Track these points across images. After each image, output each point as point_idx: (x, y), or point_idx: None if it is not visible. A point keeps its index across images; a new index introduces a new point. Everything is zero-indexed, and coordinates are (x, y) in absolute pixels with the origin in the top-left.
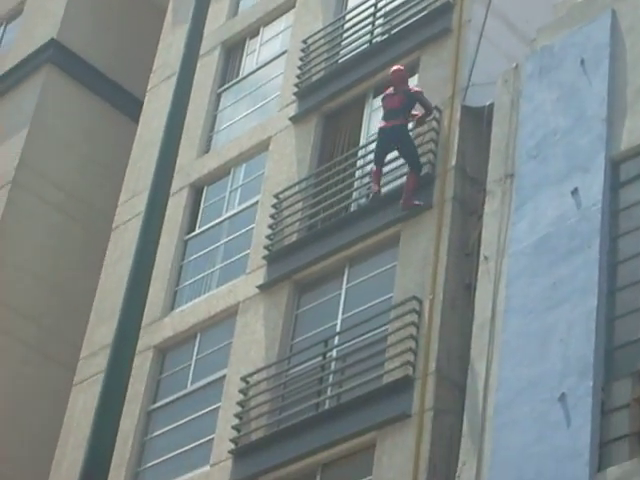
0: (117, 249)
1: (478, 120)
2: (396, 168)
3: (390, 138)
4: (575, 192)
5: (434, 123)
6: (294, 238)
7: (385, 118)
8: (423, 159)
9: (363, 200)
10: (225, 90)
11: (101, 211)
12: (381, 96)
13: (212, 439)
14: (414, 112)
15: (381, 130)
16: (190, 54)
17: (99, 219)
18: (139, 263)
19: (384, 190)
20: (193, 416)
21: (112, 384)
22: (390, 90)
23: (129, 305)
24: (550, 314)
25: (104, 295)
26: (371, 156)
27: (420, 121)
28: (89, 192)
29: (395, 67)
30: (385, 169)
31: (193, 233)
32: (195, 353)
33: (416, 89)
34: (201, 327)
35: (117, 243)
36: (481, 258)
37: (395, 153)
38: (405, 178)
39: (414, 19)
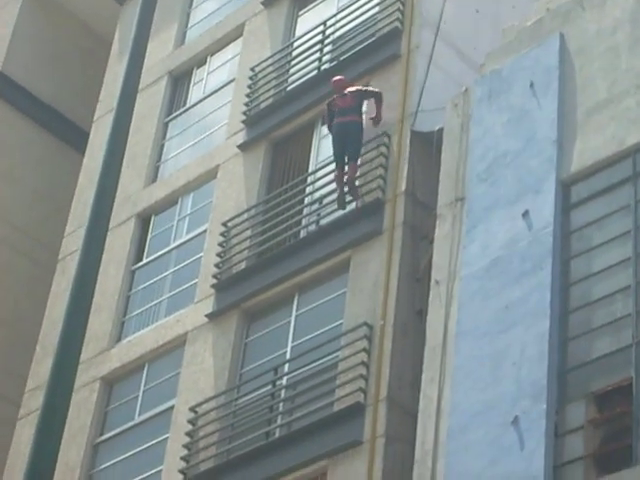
0: (63, 280)
1: (428, 145)
2: (346, 193)
3: (346, 132)
4: (526, 214)
5: (383, 148)
6: (243, 266)
7: (341, 114)
8: (373, 184)
9: (312, 227)
10: (172, 119)
11: (48, 244)
12: (327, 101)
13: (160, 471)
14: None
15: (338, 125)
16: (130, 81)
17: (45, 252)
18: (78, 294)
19: (333, 217)
20: (141, 448)
21: (50, 416)
22: (335, 97)
23: (68, 335)
24: (502, 337)
25: (50, 327)
26: (320, 182)
27: (378, 111)
28: (36, 225)
29: (336, 77)
30: (334, 195)
31: (140, 263)
32: (143, 384)
33: (358, 87)
34: (149, 357)
35: (63, 274)
36: (432, 282)
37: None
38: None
39: (362, 45)
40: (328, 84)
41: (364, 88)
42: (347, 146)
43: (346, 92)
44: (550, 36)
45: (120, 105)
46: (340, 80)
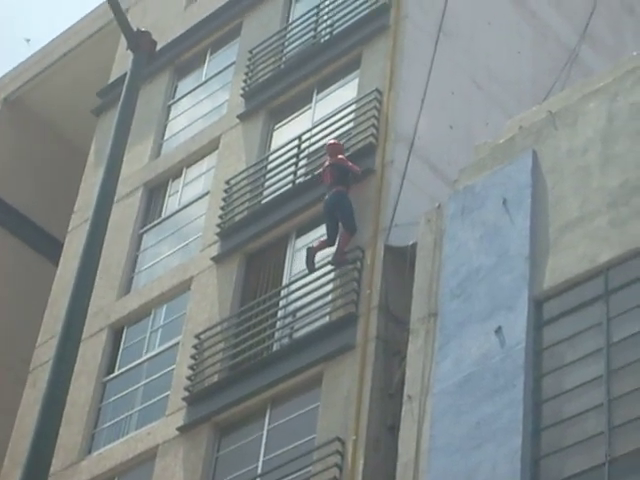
0: (34, 392)
1: (401, 260)
2: (319, 308)
3: (331, 206)
4: (499, 331)
5: (357, 262)
6: (215, 379)
7: (328, 190)
8: (346, 298)
9: (285, 340)
10: (147, 231)
11: (20, 355)
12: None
13: None
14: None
15: (324, 203)
16: (106, 192)
17: (19, 363)
18: (49, 405)
19: (305, 330)
20: None
21: None
22: (326, 163)
23: (37, 448)
24: (475, 454)
25: (19, 439)
26: (293, 296)
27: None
28: (7, 335)
29: (331, 141)
30: (307, 309)
31: (112, 375)
32: None
33: (340, 157)
34: (119, 471)
35: (34, 386)
36: (405, 398)
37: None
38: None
39: None
40: (302, 198)
41: (345, 163)
42: (340, 217)
43: (327, 166)
44: (523, 153)
45: (95, 216)
46: (334, 145)
